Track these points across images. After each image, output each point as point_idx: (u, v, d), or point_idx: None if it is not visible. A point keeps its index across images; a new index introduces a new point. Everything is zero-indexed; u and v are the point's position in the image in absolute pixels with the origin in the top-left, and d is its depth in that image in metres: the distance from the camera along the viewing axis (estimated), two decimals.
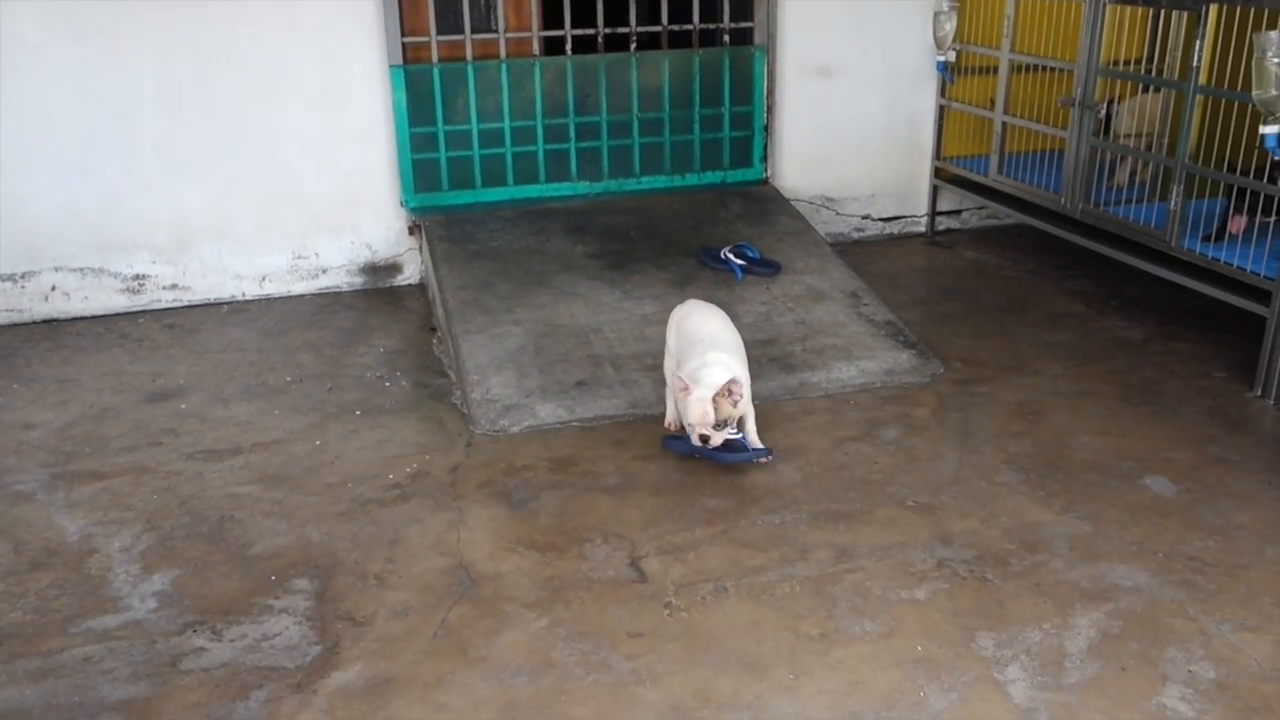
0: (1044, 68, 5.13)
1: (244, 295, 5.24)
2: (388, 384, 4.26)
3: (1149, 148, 4.79)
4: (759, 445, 3.54)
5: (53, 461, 3.70)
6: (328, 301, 5.22)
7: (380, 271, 5.38)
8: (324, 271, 5.31)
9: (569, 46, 5.33)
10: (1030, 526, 3.17)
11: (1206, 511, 3.23)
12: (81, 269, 5.02)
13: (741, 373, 3.42)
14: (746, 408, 3.50)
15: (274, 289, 5.27)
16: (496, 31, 5.26)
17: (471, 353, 4.19)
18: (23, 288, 4.97)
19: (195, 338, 4.79)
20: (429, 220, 5.18)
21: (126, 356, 4.60)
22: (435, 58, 5.16)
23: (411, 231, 5.34)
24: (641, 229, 5.22)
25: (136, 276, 5.08)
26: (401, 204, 5.28)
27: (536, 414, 3.87)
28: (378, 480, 3.52)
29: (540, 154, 5.41)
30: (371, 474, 3.56)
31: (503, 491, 3.42)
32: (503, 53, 5.26)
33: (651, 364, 4.10)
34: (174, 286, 5.14)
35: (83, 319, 5.03)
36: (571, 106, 5.38)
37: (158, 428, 3.94)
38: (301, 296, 5.28)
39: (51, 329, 4.94)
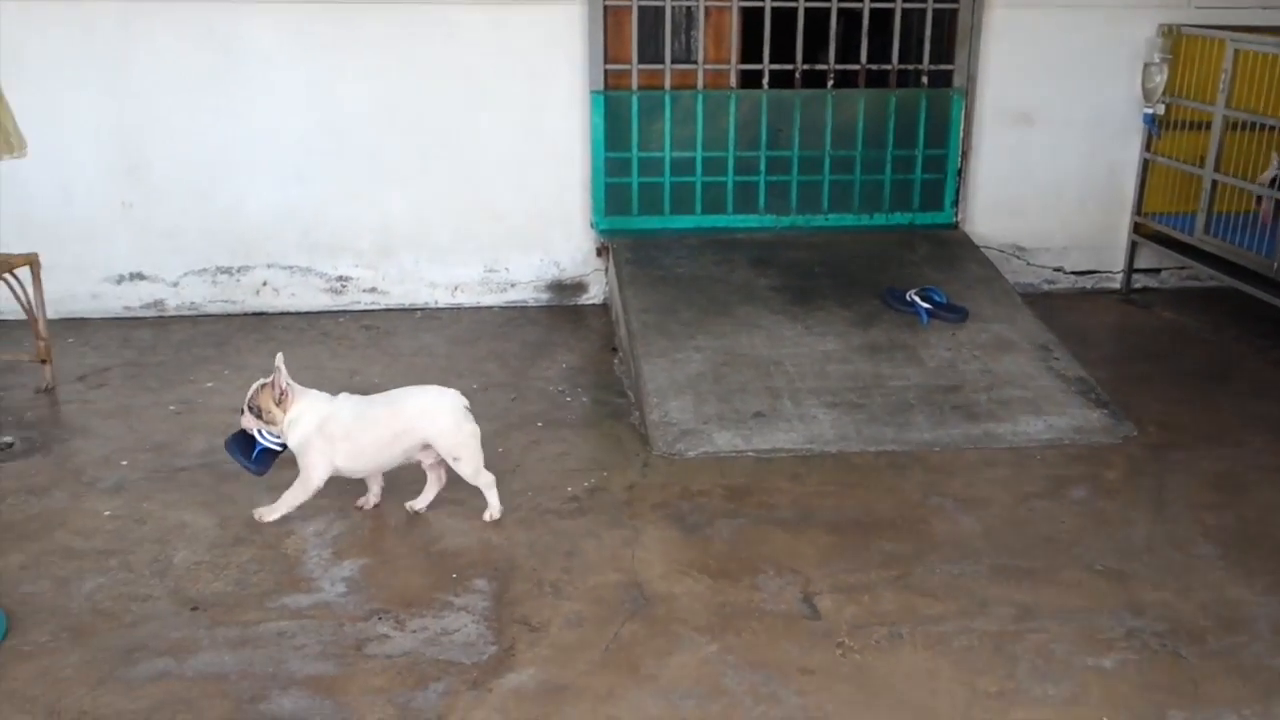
0: (1263, 125, 4.89)
1: (436, 303, 5.45)
2: (569, 399, 4.36)
3: None
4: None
5: None
6: (514, 315, 5.38)
7: (566, 289, 5.53)
8: (513, 286, 5.48)
9: (766, 81, 5.37)
10: (1229, 604, 3.01)
11: None
12: (291, 267, 5.32)
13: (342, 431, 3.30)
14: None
15: (465, 299, 5.47)
16: (695, 63, 5.35)
17: (652, 375, 4.25)
18: (238, 281, 5.31)
19: (390, 340, 5.02)
20: (617, 243, 5.29)
21: (326, 353, 4.85)
22: (635, 85, 5.28)
23: (599, 253, 5.46)
24: (826, 265, 5.21)
25: (340, 278, 5.36)
26: (591, 225, 5.41)
27: (713, 441, 3.89)
28: (556, 491, 3.60)
29: (730, 185, 5.46)
30: (551, 485, 3.65)
31: (677, 515, 3.46)
32: (700, 84, 5.35)
33: (831, 401, 4.08)
34: (373, 290, 5.39)
35: (288, 314, 5.34)
36: (764, 140, 5.42)
37: None
38: (490, 308, 5.46)
39: (260, 321, 5.25)
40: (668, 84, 5.32)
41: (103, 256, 5.21)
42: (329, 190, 5.25)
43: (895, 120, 5.49)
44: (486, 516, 3.41)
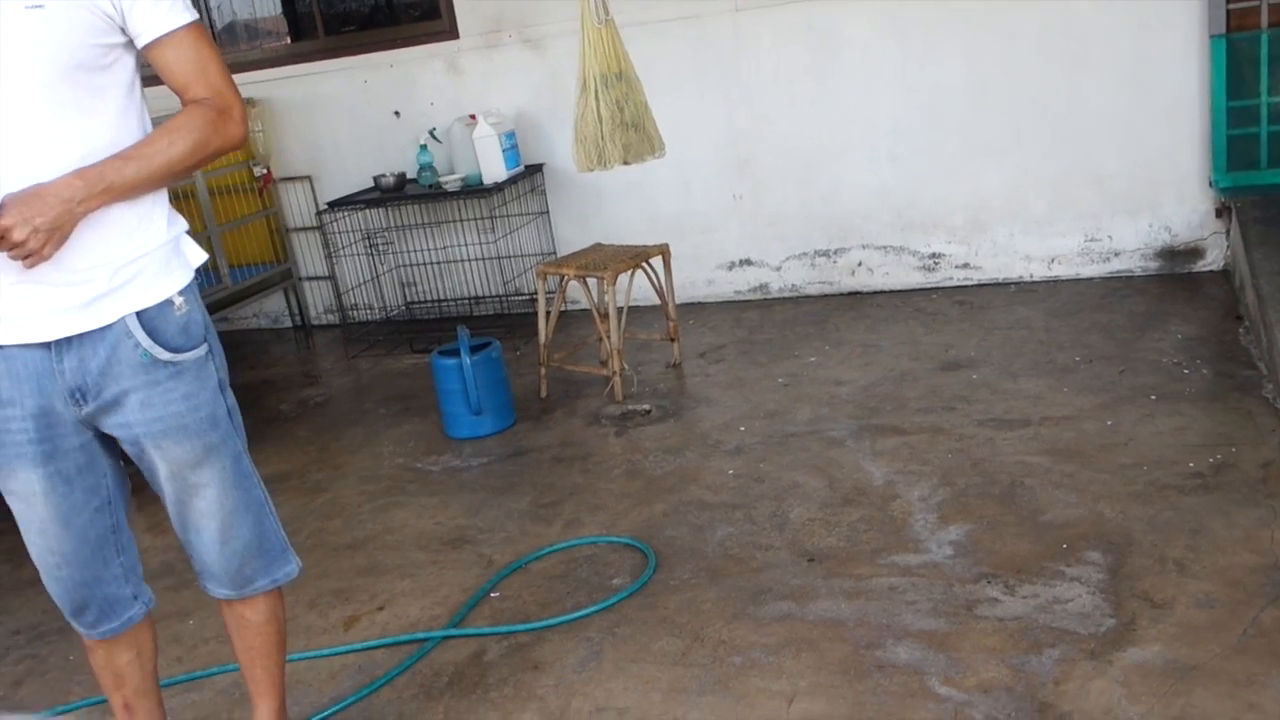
0: None
1: (1031, 276, 5.30)
2: (1186, 371, 4.02)
3: None
4: None
5: (859, 414, 4.11)
6: (1118, 285, 5.07)
7: (1178, 256, 5.09)
8: (1116, 255, 5.16)
9: None
10: None
11: None
12: (885, 247, 5.48)
13: None
14: None
15: (1062, 271, 5.25)
16: None
17: None
18: (834, 262, 5.57)
19: (984, 314, 4.97)
20: (1242, 201, 4.76)
21: (920, 328, 4.93)
22: (1264, 23, 4.71)
23: (1219, 214, 4.96)
24: None
25: (932, 255, 5.41)
26: (1210, 184, 4.92)
27: None
28: (1176, 467, 3.35)
29: None
30: (1169, 460, 3.39)
31: None
32: None
33: None
34: (965, 266, 5.38)
35: (882, 292, 5.50)
36: None
37: (950, 394, 4.16)
38: (1090, 280, 5.19)
39: (855, 300, 5.48)
40: None
41: (717, 246, 5.75)
42: (921, 169, 5.32)
43: None
44: None
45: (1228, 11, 4.71)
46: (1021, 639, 2.65)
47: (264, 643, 2.42)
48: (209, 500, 2.19)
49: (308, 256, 6.49)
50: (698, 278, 5.80)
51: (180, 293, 2.10)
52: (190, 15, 2.00)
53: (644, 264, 4.69)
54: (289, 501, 4.13)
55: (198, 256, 2.16)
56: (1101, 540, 3.02)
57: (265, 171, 6.20)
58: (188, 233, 2.17)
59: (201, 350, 2.13)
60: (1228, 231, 4.93)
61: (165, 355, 2.06)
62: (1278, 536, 2.90)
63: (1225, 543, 2.91)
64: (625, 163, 4.26)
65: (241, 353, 6.34)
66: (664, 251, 4.75)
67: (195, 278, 2.16)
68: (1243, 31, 4.74)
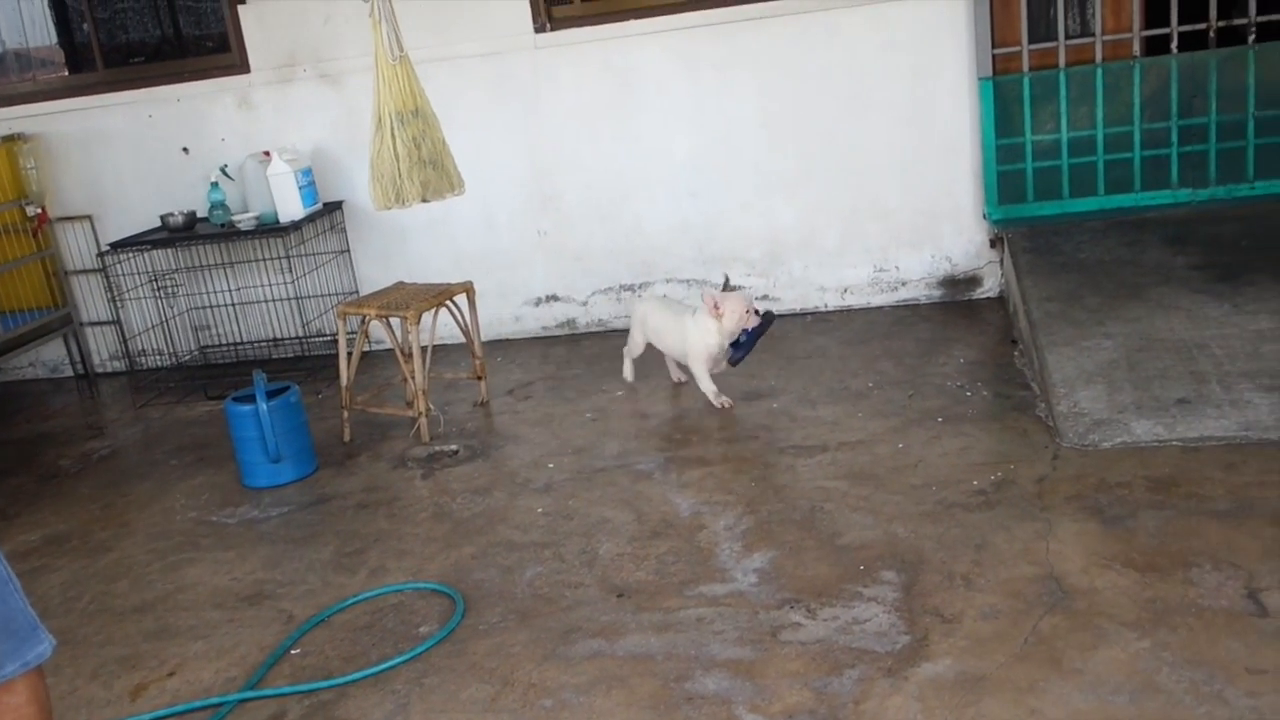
0: None
1: (826, 306, 5.51)
2: (969, 394, 4.25)
3: None
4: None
5: (665, 447, 4.16)
6: (905, 313, 5.33)
7: (959, 285, 5.39)
8: (903, 284, 5.42)
9: (1174, 45, 4.96)
10: None
11: None
12: (687, 280, 5.59)
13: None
14: None
15: (854, 301, 5.48)
16: (1093, 35, 5.04)
17: (1058, 365, 4.05)
18: (640, 296, 5.64)
19: (783, 344, 5.13)
20: (1012, 232, 5.09)
21: None
22: (1026, 67, 5.07)
23: (993, 244, 5.28)
24: (1255, 238, 4.71)
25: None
26: (984, 216, 5.24)
27: (1131, 430, 3.64)
28: (961, 485, 3.52)
29: (1136, 161, 5.08)
30: (954, 479, 3.57)
31: (1094, 507, 3.27)
32: (1098, 57, 5.03)
33: (1269, 384, 3.68)
34: (764, 297, 5.54)
35: None
36: (1175, 109, 5.00)
37: (752, 423, 4.27)
38: (880, 308, 5.44)
39: None
40: (1062, 62, 5.05)
41: (523, 282, 5.74)
42: (720, 204, 5.46)
43: None
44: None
45: (994, 56, 5.05)
46: (823, 661, 2.73)
47: None
48: None
49: (89, 300, 6.12)
50: (504, 314, 5.77)
51: None
52: None
53: (448, 302, 4.63)
54: (68, 565, 3.86)
55: None
56: (896, 559, 3.15)
57: (39, 211, 5.82)
58: None
59: None
60: (1001, 261, 5.26)
61: None
62: (1053, 548, 3.09)
63: (1006, 556, 3.08)
64: (424, 200, 4.20)
65: (16, 405, 5.92)
66: (468, 289, 4.70)
67: None
68: (1008, 74, 5.09)
